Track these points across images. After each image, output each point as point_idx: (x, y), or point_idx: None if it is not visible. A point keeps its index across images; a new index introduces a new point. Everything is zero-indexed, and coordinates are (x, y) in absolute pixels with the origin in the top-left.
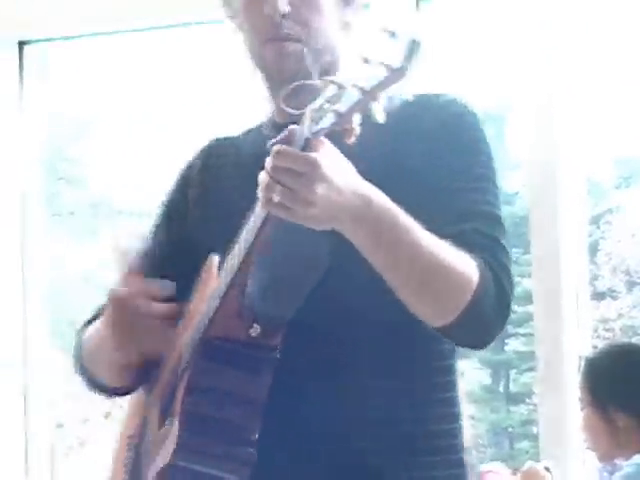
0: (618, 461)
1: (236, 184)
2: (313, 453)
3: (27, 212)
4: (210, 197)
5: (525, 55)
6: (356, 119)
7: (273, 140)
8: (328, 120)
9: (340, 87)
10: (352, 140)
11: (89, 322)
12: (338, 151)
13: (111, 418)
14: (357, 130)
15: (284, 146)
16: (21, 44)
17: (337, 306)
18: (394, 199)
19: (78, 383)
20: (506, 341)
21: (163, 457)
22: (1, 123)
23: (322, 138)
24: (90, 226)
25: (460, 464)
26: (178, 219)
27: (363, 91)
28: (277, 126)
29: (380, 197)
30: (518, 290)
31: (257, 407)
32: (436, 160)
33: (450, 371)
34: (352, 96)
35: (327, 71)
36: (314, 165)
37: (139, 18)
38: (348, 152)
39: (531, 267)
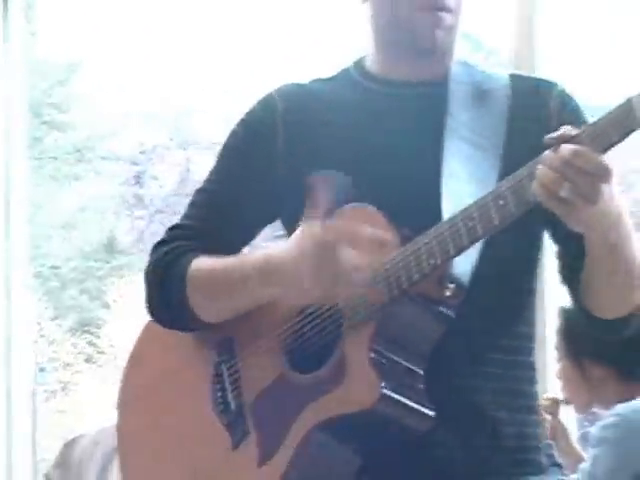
0: (597, 410)
1: (332, 130)
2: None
3: (11, 156)
4: (303, 142)
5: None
6: None
7: (560, 133)
8: None
9: None
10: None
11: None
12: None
13: (92, 362)
14: None
15: (584, 148)
16: None
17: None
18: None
19: (58, 328)
20: None
21: (346, 403)
22: None
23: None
24: (73, 171)
25: (539, 424)
26: (263, 161)
27: None
28: (374, 78)
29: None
30: None
31: (425, 360)
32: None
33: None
34: None
35: (450, 49)
36: (608, 170)
37: None
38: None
39: None
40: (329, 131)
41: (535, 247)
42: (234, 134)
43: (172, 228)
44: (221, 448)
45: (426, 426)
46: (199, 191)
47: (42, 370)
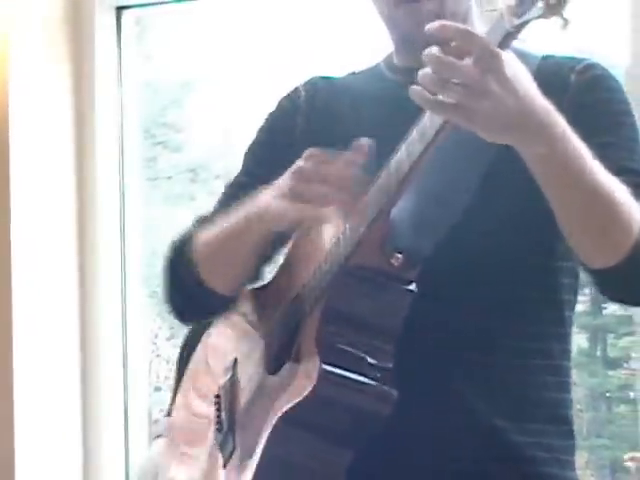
0: None
1: (354, 125)
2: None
3: (125, 177)
4: (320, 130)
5: (623, 14)
6: (567, 8)
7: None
8: (536, 11)
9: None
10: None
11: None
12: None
13: None
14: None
15: (459, 25)
16: (119, 9)
17: (472, 250)
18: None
19: (174, 348)
20: (604, 305)
21: (294, 394)
22: (99, 88)
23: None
24: (187, 191)
25: (571, 435)
26: (284, 148)
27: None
28: (397, 69)
29: (558, 116)
30: None
31: (392, 337)
32: (583, 117)
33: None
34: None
35: (464, 20)
36: (494, 55)
37: None
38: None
39: None
40: (350, 120)
41: (538, 252)
42: (260, 126)
43: (195, 220)
44: (215, 467)
45: (386, 407)
46: (226, 186)
47: (158, 390)
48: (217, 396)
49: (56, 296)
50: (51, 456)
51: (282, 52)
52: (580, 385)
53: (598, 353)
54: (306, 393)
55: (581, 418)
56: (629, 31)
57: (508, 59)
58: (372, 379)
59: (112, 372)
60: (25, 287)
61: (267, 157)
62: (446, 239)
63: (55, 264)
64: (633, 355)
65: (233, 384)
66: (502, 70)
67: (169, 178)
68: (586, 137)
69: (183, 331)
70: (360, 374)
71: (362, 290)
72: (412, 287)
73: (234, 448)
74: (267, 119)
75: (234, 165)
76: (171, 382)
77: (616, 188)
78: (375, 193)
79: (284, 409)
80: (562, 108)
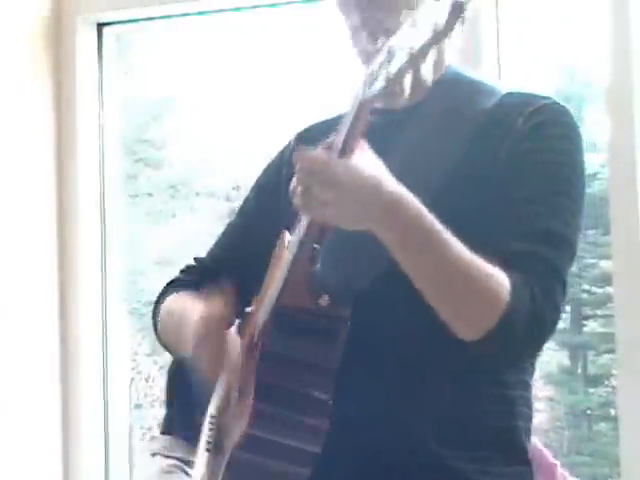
0: None
1: None
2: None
3: (105, 194)
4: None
5: (603, 31)
6: (407, 81)
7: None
8: (379, 84)
9: (390, 51)
10: (400, 104)
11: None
12: (372, 154)
13: None
14: (407, 93)
15: (304, 148)
16: (100, 26)
17: (401, 286)
18: (459, 203)
19: (154, 364)
20: (584, 322)
21: (240, 427)
22: (80, 105)
23: (361, 140)
24: (168, 207)
25: (524, 462)
26: (270, 200)
27: (410, 53)
28: (374, 111)
29: (410, 201)
30: (596, 272)
31: (329, 376)
32: (514, 170)
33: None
34: (401, 58)
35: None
36: (324, 165)
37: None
38: (421, 145)
39: (610, 248)
40: None
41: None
42: (252, 184)
43: (188, 264)
44: None
45: (306, 464)
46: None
47: (138, 407)
48: (213, 416)
49: (36, 312)
50: (31, 475)
51: (262, 70)
52: (560, 402)
53: (579, 370)
54: (242, 433)
55: (562, 435)
56: (610, 47)
57: (345, 163)
58: (301, 438)
59: (92, 389)
60: (4, 303)
61: (255, 203)
62: (383, 269)
63: (35, 280)
64: (614, 372)
65: (226, 402)
66: (333, 179)
67: (150, 195)
68: (511, 188)
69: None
70: (295, 411)
71: (295, 329)
72: (345, 324)
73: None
74: (264, 167)
75: (214, 182)
76: (151, 399)
77: (478, 267)
78: (292, 245)
79: (236, 441)
80: (500, 154)
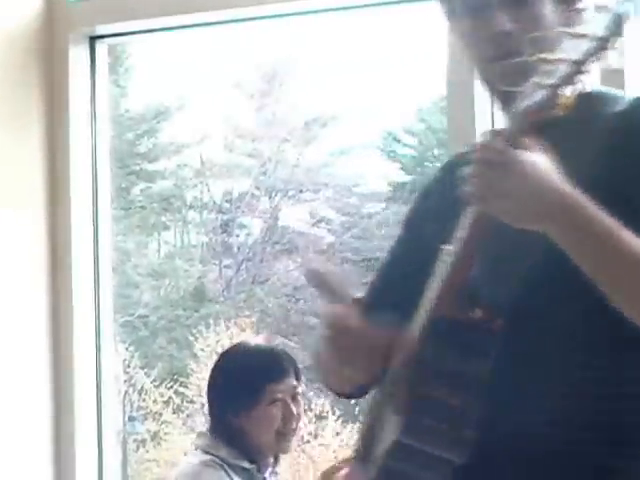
0: None
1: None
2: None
3: (98, 206)
4: (444, 211)
5: None
6: (568, 91)
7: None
8: (540, 94)
9: (551, 62)
10: (565, 112)
11: None
12: (546, 158)
13: (181, 411)
14: (570, 102)
15: (488, 140)
16: (92, 39)
17: (549, 294)
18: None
19: (147, 377)
20: None
21: (392, 435)
22: (73, 118)
23: (534, 142)
24: (161, 220)
25: None
26: (416, 231)
27: (572, 63)
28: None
29: (586, 199)
30: None
31: (476, 388)
32: None
33: None
34: (562, 69)
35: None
36: (511, 157)
37: (206, 11)
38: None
39: None
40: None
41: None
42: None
43: None
44: None
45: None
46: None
47: (131, 419)
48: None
49: (28, 326)
50: None
51: (256, 82)
52: None
53: None
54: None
55: None
56: None
57: (526, 157)
58: (448, 449)
59: (85, 402)
60: None
61: (402, 236)
62: (530, 278)
63: (27, 293)
64: None
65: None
66: (516, 170)
67: (142, 208)
68: None
69: (157, 362)
70: (437, 437)
71: (447, 341)
72: (494, 338)
73: None
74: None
75: (206, 195)
76: (144, 412)
77: None
78: (448, 257)
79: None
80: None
